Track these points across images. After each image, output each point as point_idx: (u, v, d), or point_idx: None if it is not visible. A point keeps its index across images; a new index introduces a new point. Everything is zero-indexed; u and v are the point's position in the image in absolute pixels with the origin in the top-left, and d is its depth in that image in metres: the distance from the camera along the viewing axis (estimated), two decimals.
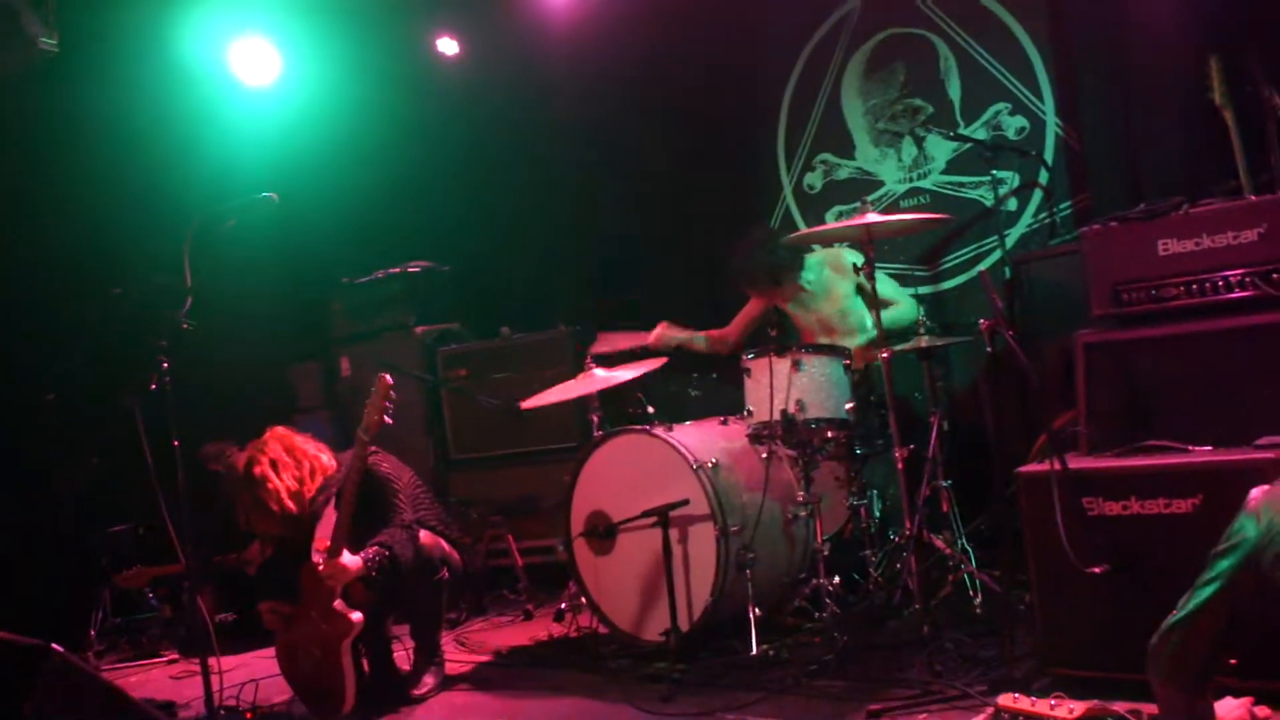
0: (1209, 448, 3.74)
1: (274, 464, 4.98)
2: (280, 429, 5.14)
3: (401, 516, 4.88)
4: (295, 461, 4.97)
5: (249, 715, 4.54)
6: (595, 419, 5.96)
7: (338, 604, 4.72)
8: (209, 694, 4.24)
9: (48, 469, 5.98)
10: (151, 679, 6.17)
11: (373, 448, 5.10)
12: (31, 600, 7.14)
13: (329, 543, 4.70)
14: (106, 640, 6.84)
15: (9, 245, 7.68)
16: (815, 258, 6.01)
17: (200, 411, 6.04)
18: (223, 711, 4.60)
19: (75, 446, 5.99)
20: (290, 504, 4.95)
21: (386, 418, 4.75)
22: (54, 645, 3.57)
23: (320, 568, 4.67)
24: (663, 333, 6.25)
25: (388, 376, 4.77)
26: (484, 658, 5.73)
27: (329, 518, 4.88)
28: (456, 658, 5.67)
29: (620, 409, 5.86)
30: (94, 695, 3.63)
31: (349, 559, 4.67)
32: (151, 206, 7.00)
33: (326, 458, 5.14)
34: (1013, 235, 6.27)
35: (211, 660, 4.30)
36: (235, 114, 8.03)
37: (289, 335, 8.55)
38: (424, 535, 5.01)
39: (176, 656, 6.54)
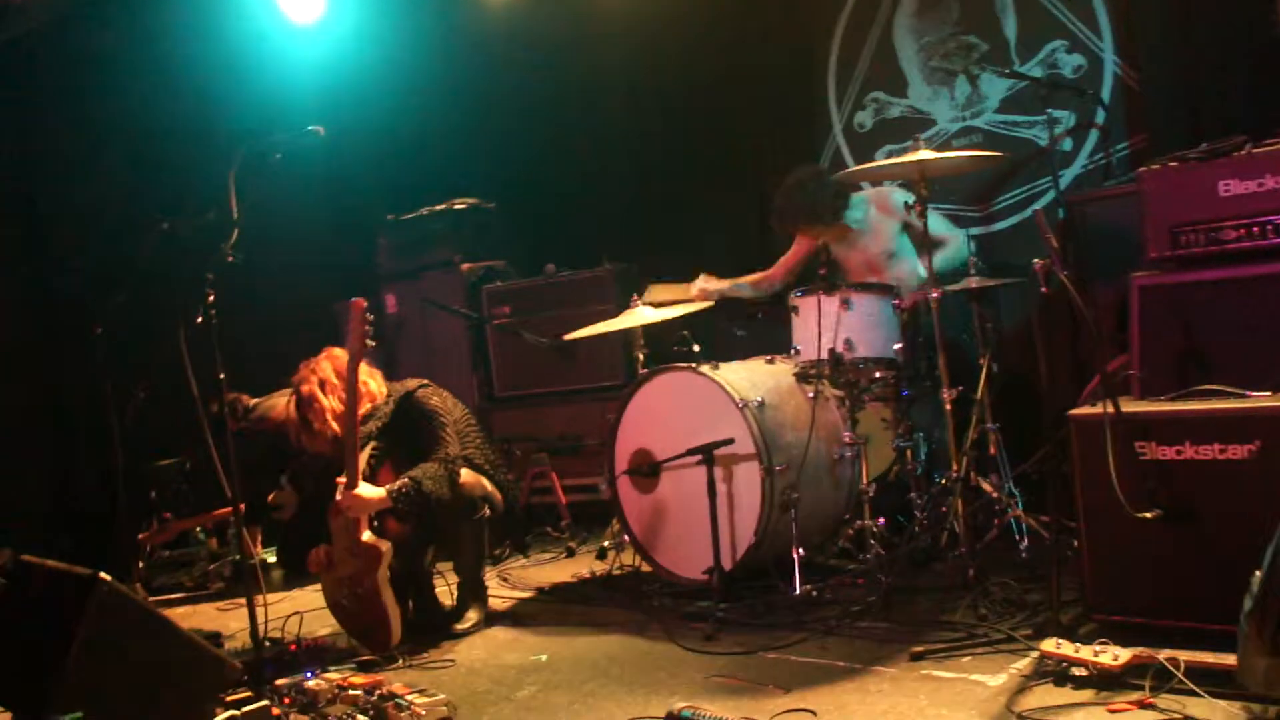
0: (1268, 393, 3.66)
1: (322, 384, 5.04)
2: (336, 350, 5.14)
3: (445, 450, 4.88)
4: (343, 384, 4.98)
5: (293, 647, 4.57)
6: (640, 357, 5.96)
7: (366, 536, 4.74)
8: (254, 625, 4.27)
9: (97, 403, 6.01)
10: (199, 611, 6.26)
11: (424, 381, 5.14)
12: (84, 532, 7.27)
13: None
14: (155, 573, 6.92)
15: (60, 182, 7.74)
16: (860, 196, 5.93)
17: (246, 346, 6.08)
18: (268, 643, 4.64)
19: (123, 380, 6.01)
20: (334, 425, 4.98)
21: (368, 340, 4.73)
22: (102, 574, 3.60)
23: (339, 499, 4.70)
24: (704, 285, 6.19)
25: (361, 301, 4.74)
26: (527, 594, 5.76)
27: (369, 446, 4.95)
28: (499, 594, 5.71)
29: (665, 347, 5.83)
30: (141, 623, 3.66)
31: (368, 489, 4.69)
32: (200, 141, 7.01)
33: (375, 383, 5.14)
34: (1067, 176, 6.15)
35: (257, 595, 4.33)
36: (282, 50, 8.01)
37: (335, 271, 8.57)
38: (465, 473, 5.02)
39: (223, 589, 6.64)
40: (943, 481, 5.07)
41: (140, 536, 6.72)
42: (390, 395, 5.13)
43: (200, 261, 4.42)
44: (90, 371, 6.04)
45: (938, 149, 6.32)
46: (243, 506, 4.49)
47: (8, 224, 7.87)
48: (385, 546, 4.73)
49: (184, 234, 4.97)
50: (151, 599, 6.33)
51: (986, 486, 5.11)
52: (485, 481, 5.18)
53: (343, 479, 4.72)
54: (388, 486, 4.73)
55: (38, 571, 4.11)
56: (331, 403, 5.00)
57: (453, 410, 5.14)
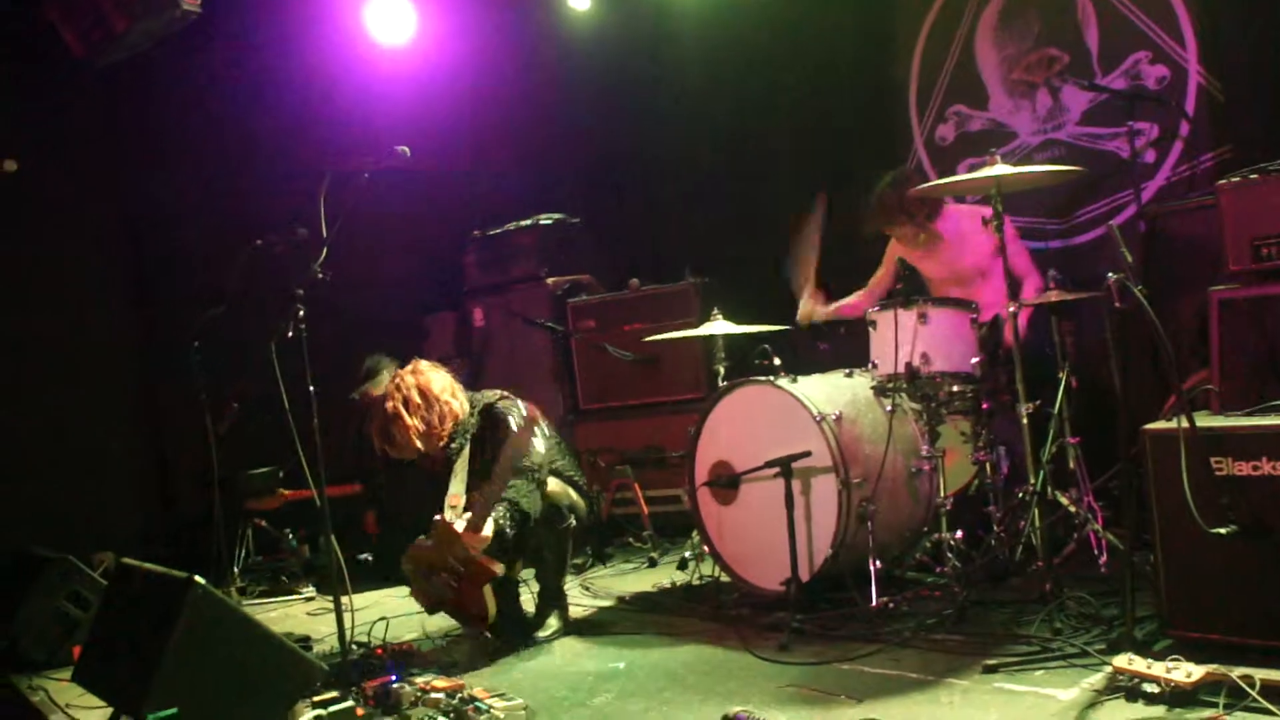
0: None
1: (405, 403, 5.13)
2: (423, 365, 5.29)
3: (529, 460, 4.98)
4: (426, 404, 5.11)
5: (379, 650, 4.71)
6: (721, 370, 6.02)
7: (480, 558, 4.88)
8: (341, 630, 4.41)
9: (195, 413, 6.23)
10: (290, 615, 6.44)
11: (504, 392, 5.31)
12: (182, 537, 7.50)
13: (460, 498, 4.86)
14: (249, 577, 7.14)
15: (156, 201, 8.01)
16: (952, 209, 5.92)
17: (337, 360, 6.26)
18: (355, 646, 4.78)
19: (218, 392, 6.23)
20: (418, 443, 5.12)
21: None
22: (196, 578, 3.76)
23: (457, 533, 4.83)
24: (809, 311, 6.23)
25: None
26: (607, 603, 5.85)
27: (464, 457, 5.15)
28: (581, 602, 5.81)
29: (746, 361, 5.89)
30: (232, 625, 3.82)
31: (485, 529, 4.84)
32: (290, 161, 7.22)
33: (459, 403, 5.25)
34: (1150, 189, 6.10)
35: (345, 598, 4.46)
36: (371, 72, 8.20)
37: (424, 286, 8.75)
38: (552, 483, 5.14)
39: (313, 594, 6.82)
40: (1021, 495, 5.06)
41: (250, 503, 6.87)
42: (473, 407, 5.25)
43: (291, 278, 4.57)
44: (187, 383, 6.26)
45: (1019, 162, 6.36)
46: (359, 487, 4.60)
47: (111, 236, 8.14)
48: (499, 569, 4.89)
49: (276, 251, 5.13)
50: (244, 603, 6.52)
51: (1065, 500, 5.10)
52: (571, 491, 5.28)
53: (450, 512, 4.89)
54: (494, 516, 4.85)
55: (137, 574, 4.30)
56: (414, 423, 5.11)
57: (532, 421, 5.24)
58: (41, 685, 5.09)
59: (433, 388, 5.18)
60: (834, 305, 6.26)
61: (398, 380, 5.24)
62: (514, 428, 5.06)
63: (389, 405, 5.15)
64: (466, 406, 5.28)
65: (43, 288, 7.60)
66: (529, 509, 4.89)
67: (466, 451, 5.18)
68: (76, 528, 7.06)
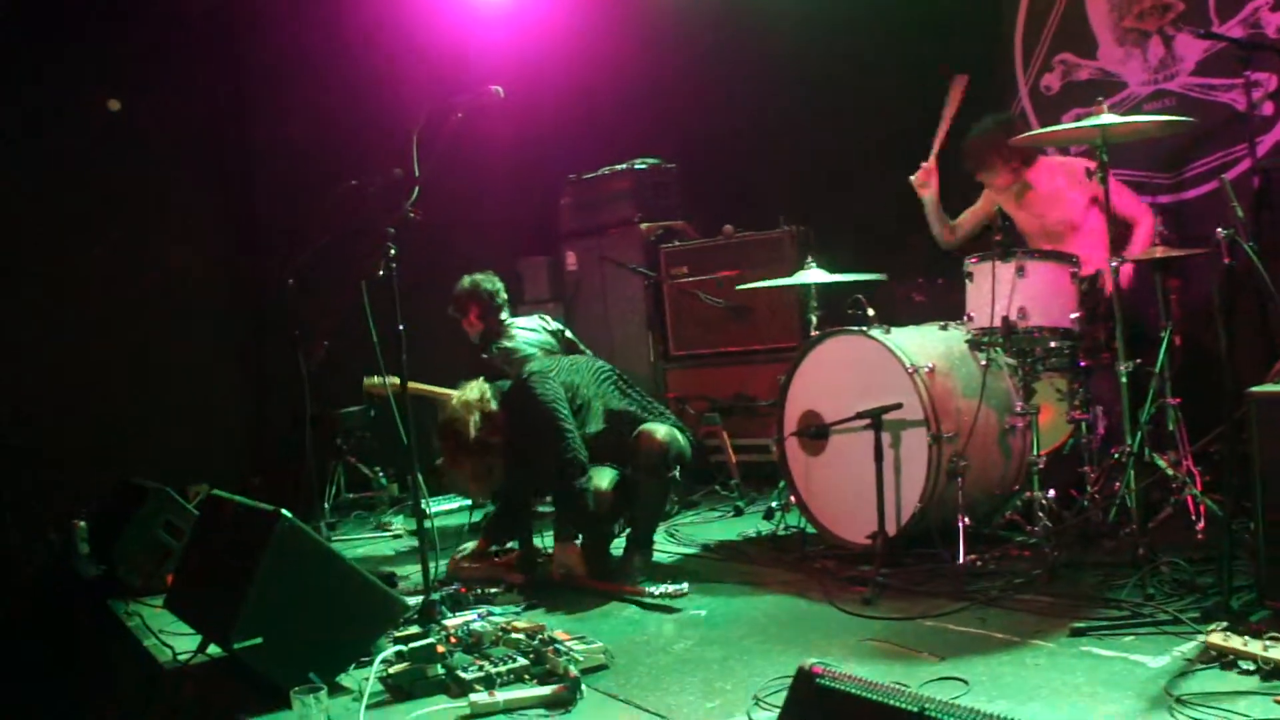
0: None
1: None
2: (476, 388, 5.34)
3: (565, 443, 5.08)
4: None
5: (463, 589, 4.75)
6: (814, 319, 5.96)
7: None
8: (425, 567, 4.46)
9: (289, 351, 6.31)
10: (376, 552, 6.52)
11: (531, 370, 5.33)
12: (275, 474, 7.64)
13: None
14: (339, 514, 7.25)
15: (259, 142, 8.11)
16: (1048, 161, 5.79)
17: (430, 301, 6.30)
18: (439, 583, 4.84)
19: (311, 330, 6.30)
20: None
21: None
22: (283, 511, 3.82)
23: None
24: (928, 172, 6.12)
25: None
26: (692, 550, 5.85)
27: None
28: (666, 549, 5.81)
29: (839, 310, 5.82)
30: (318, 559, 3.88)
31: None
32: (386, 101, 7.25)
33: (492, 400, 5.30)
34: (1266, 142, 5.86)
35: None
36: (467, 11, 8.17)
37: (518, 228, 8.76)
38: (660, 429, 5.18)
39: (401, 532, 6.91)
40: (1117, 456, 4.94)
41: (367, 381, 6.95)
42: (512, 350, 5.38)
43: (384, 218, 4.59)
44: (283, 321, 6.34)
45: (1127, 113, 6.15)
46: None
47: (214, 175, 8.26)
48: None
49: (371, 191, 5.15)
50: (333, 539, 6.62)
51: (1163, 463, 4.96)
52: (680, 436, 5.27)
53: None
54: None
55: (228, 506, 4.38)
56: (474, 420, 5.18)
57: (586, 377, 5.37)
58: (137, 611, 5.23)
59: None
60: (936, 202, 6.14)
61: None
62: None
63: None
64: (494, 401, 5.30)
65: (148, 226, 7.76)
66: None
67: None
68: (179, 461, 7.25)
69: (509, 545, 5.60)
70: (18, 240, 7.33)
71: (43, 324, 7.37)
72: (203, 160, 8.17)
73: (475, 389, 5.21)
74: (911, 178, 6.15)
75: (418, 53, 8.04)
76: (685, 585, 4.75)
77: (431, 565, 4.52)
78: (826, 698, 2.08)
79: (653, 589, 4.81)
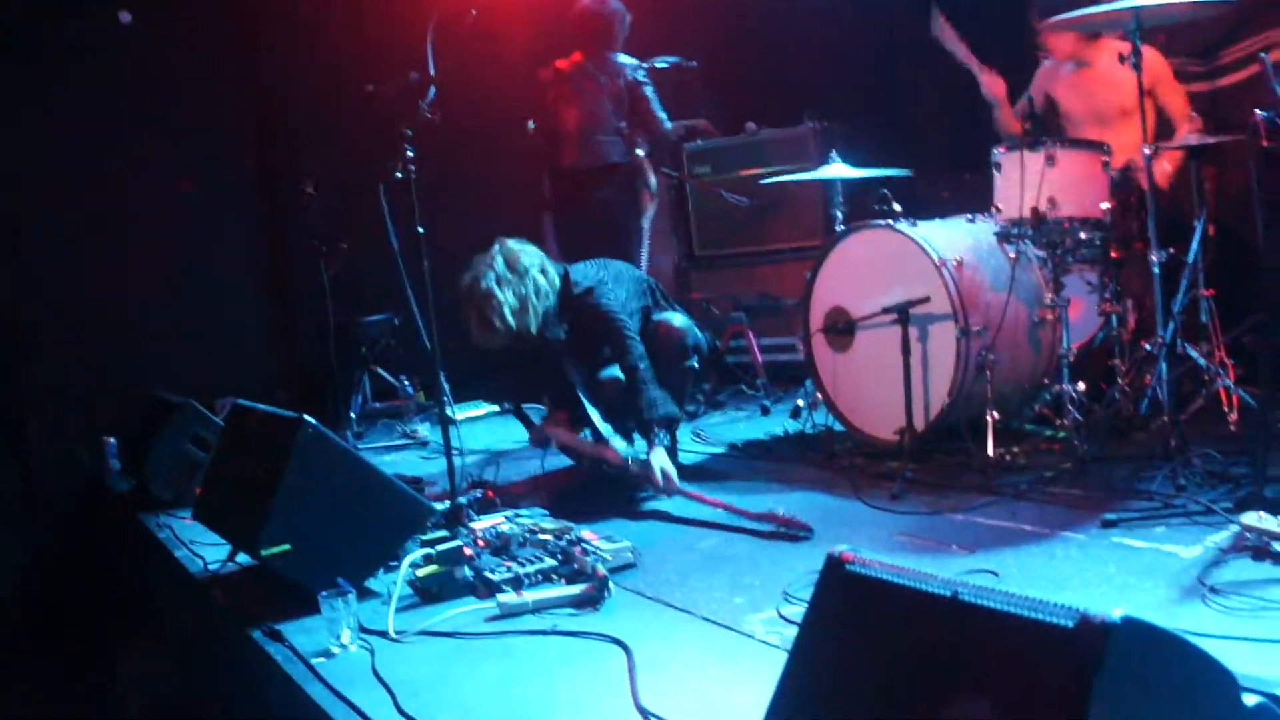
0: None
1: (499, 280, 4.88)
2: (510, 242, 5.04)
3: (628, 353, 4.96)
4: (518, 277, 4.91)
5: (490, 494, 4.75)
6: (839, 215, 5.87)
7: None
8: (451, 471, 4.46)
9: (310, 258, 6.28)
10: (403, 460, 6.53)
11: (588, 286, 5.15)
12: (304, 385, 7.66)
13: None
14: (366, 423, 7.26)
15: (278, 52, 8.00)
16: (1111, 41, 5.57)
17: (450, 204, 6.23)
18: (466, 487, 4.84)
19: (331, 236, 6.26)
20: (513, 321, 4.87)
21: None
22: (306, 418, 3.80)
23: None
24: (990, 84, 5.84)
25: None
26: (719, 449, 5.83)
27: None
28: (692, 449, 5.80)
29: (864, 206, 5.72)
30: (342, 465, 3.86)
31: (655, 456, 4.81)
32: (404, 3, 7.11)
33: (545, 282, 5.01)
34: None
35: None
36: None
37: None
38: (677, 318, 5.15)
39: (428, 440, 6.91)
40: (1149, 348, 4.87)
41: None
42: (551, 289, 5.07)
43: (400, 120, 4.51)
44: (307, 230, 6.30)
45: None
46: None
47: (235, 87, 8.17)
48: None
49: (387, 94, 5.06)
50: (361, 448, 6.64)
51: (1195, 354, 4.88)
52: (695, 328, 5.22)
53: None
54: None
55: (252, 415, 4.38)
56: (508, 297, 4.86)
57: (630, 288, 5.26)
58: (168, 524, 5.26)
59: (521, 259, 4.96)
60: (1004, 100, 5.89)
61: (486, 260, 4.97)
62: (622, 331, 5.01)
63: (481, 285, 4.89)
64: (556, 281, 5.06)
65: (171, 139, 7.69)
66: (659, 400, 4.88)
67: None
68: (206, 375, 7.24)
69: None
70: (41, 160, 7.24)
71: (67, 242, 7.33)
72: (222, 72, 8.06)
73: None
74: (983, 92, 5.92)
75: None
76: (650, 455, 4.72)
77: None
78: (857, 585, 2.05)
79: (627, 453, 4.88)
